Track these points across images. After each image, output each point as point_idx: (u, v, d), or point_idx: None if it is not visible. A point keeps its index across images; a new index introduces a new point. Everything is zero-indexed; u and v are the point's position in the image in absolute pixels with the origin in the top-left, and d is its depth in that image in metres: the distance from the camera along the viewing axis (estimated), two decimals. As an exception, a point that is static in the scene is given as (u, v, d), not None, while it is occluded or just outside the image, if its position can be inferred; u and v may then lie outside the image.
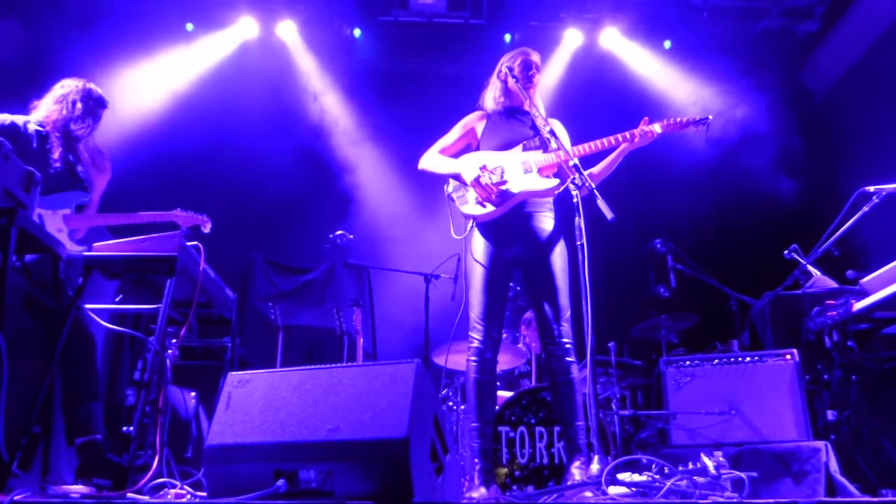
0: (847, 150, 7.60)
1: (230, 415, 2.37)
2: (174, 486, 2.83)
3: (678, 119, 3.66)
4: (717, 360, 4.36)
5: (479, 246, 3.59)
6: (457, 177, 3.62)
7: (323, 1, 7.48)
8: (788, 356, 4.22)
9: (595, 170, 3.71)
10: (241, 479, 2.25)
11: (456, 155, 3.77)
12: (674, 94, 7.83)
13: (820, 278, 4.70)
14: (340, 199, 7.71)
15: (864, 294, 4.03)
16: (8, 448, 2.64)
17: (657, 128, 3.62)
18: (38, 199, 3.06)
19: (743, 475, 2.99)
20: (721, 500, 2.78)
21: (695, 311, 5.65)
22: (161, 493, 2.81)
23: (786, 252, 4.89)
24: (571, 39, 7.79)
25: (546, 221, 3.61)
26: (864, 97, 7.43)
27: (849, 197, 4.19)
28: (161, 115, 7.23)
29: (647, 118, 3.64)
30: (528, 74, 3.71)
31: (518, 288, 5.40)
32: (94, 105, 3.86)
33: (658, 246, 5.79)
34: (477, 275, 3.55)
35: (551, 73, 7.67)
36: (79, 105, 3.79)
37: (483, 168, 3.54)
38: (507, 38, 7.64)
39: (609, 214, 3.07)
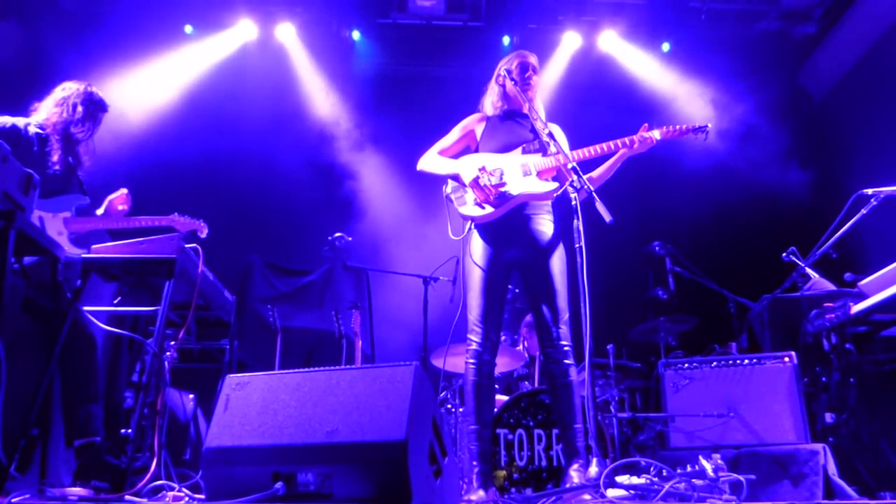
0: (845, 153, 7.61)
1: (228, 417, 2.37)
2: (172, 489, 2.83)
3: (677, 126, 3.68)
4: (715, 363, 4.36)
5: (477, 248, 3.59)
6: (455, 177, 3.62)
7: (321, 3, 7.49)
8: (787, 359, 4.22)
9: (594, 174, 3.72)
10: (240, 481, 2.25)
11: (455, 156, 3.77)
12: (672, 96, 7.84)
13: (818, 281, 4.70)
14: (339, 201, 7.71)
15: (863, 296, 4.03)
16: (6, 450, 2.64)
17: (656, 134, 3.63)
18: (37, 202, 3.07)
19: (741, 478, 2.99)
20: (719, 502, 2.79)
21: (693, 313, 5.65)
22: (159, 495, 2.81)
23: (784, 254, 4.89)
24: (570, 42, 7.80)
25: (545, 224, 3.62)
26: (863, 100, 7.45)
27: (847, 199, 4.19)
28: (159, 118, 7.24)
29: (646, 125, 3.65)
30: (525, 78, 3.72)
31: (517, 290, 5.40)
32: (94, 109, 3.86)
33: (657, 248, 5.80)
34: (475, 277, 3.55)
35: (550, 76, 7.69)
36: (79, 108, 3.79)
37: (482, 169, 3.54)
38: (506, 40, 7.66)
39: (608, 217, 3.07)
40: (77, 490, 2.81)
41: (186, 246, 3.36)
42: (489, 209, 3.53)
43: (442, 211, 3.76)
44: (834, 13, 7.43)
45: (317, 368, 2.47)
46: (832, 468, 3.71)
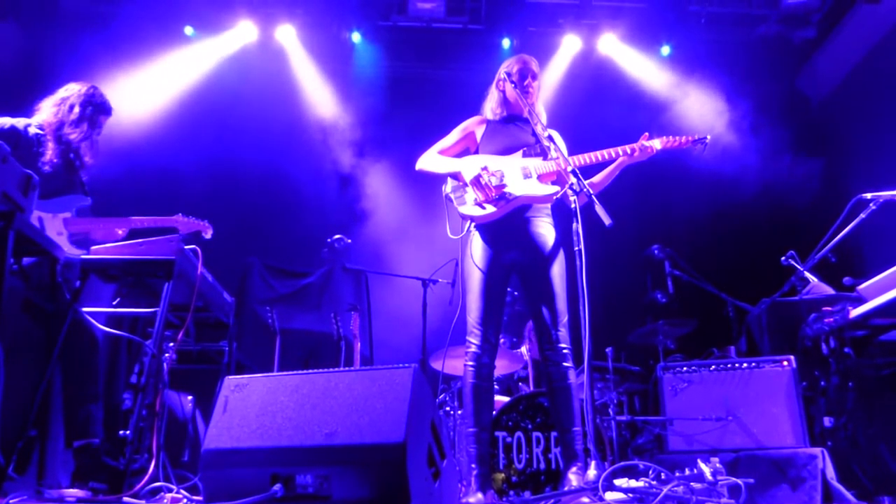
0: (844, 157, 7.62)
1: (227, 419, 2.37)
2: (170, 490, 2.83)
3: (678, 138, 3.71)
4: (714, 366, 4.36)
5: (477, 249, 3.59)
6: (456, 175, 3.62)
7: (322, 5, 7.49)
8: (785, 362, 4.22)
9: (593, 180, 3.73)
10: (238, 483, 2.25)
11: (454, 157, 3.77)
12: (671, 99, 7.84)
13: (817, 285, 4.70)
14: (338, 203, 7.71)
15: (861, 301, 4.03)
16: (5, 451, 2.64)
17: (657, 144, 3.65)
18: (37, 202, 3.06)
19: (739, 481, 2.99)
20: (718, 506, 2.79)
21: (692, 316, 5.66)
22: (157, 497, 2.81)
23: (783, 258, 4.90)
24: (570, 45, 7.81)
25: (544, 227, 3.62)
26: (861, 104, 7.46)
27: (846, 204, 4.20)
28: (160, 119, 7.24)
29: (647, 133, 3.67)
30: (525, 84, 3.72)
31: (515, 293, 5.40)
32: (92, 111, 3.83)
33: (656, 252, 5.80)
34: (475, 279, 3.55)
35: (550, 79, 7.69)
36: (76, 109, 3.78)
37: (484, 169, 3.55)
38: (506, 43, 7.66)
39: (607, 220, 3.08)
40: (75, 491, 2.81)
41: (186, 247, 3.36)
42: (489, 209, 3.53)
43: (441, 213, 3.76)
44: (833, 17, 7.44)
45: (315, 370, 2.47)
46: (830, 472, 3.71)
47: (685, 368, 4.43)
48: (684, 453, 4.14)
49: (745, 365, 4.30)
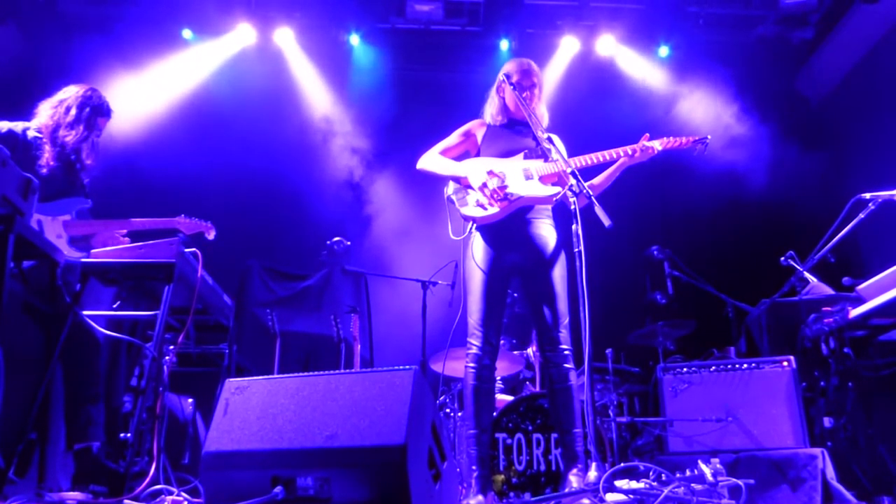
0: (842, 157, 7.63)
1: (228, 421, 2.37)
2: (171, 493, 2.83)
3: (678, 139, 3.71)
4: (713, 367, 4.36)
5: (478, 249, 3.60)
6: (458, 179, 3.63)
7: (319, 8, 7.50)
8: (785, 363, 4.23)
9: (594, 182, 3.73)
10: (239, 485, 2.25)
11: (455, 160, 3.77)
12: (670, 100, 7.85)
13: (816, 285, 4.71)
14: (337, 205, 7.70)
15: (861, 301, 4.04)
16: (5, 454, 2.63)
17: (657, 145, 3.65)
18: (36, 206, 3.06)
19: (740, 482, 2.99)
20: (718, 506, 2.79)
21: (692, 317, 5.65)
22: (158, 499, 2.81)
23: (782, 259, 4.90)
24: (568, 46, 7.81)
25: (545, 228, 3.63)
26: (860, 104, 7.47)
27: (845, 204, 4.21)
28: (159, 122, 7.24)
29: (647, 134, 3.67)
30: (524, 94, 3.70)
31: (515, 295, 5.40)
32: (89, 113, 3.81)
33: (655, 253, 5.80)
34: (476, 280, 3.55)
35: (548, 81, 7.68)
36: (72, 112, 3.76)
37: (489, 173, 3.56)
38: (504, 45, 7.66)
39: (606, 221, 3.09)
40: (75, 494, 2.81)
41: (186, 250, 3.36)
42: (491, 210, 3.54)
43: (440, 215, 3.77)
44: (831, 18, 7.45)
45: (316, 373, 2.47)
46: (830, 472, 3.71)
47: (685, 369, 4.43)
48: (684, 454, 4.14)
49: (744, 366, 4.31)
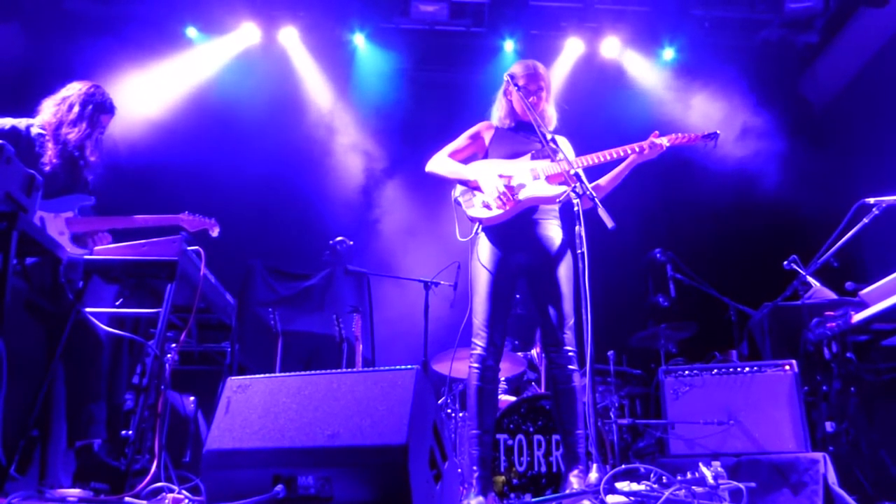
0: (846, 162, 7.62)
1: (229, 420, 2.37)
2: (172, 491, 2.83)
3: (687, 134, 3.69)
4: (715, 370, 4.36)
5: (484, 251, 3.60)
6: (468, 182, 3.63)
7: (324, 8, 7.50)
8: (787, 367, 4.22)
9: (602, 181, 3.73)
10: (240, 484, 2.25)
11: (463, 162, 3.77)
12: (673, 103, 7.84)
13: (819, 289, 4.70)
14: (340, 205, 7.71)
15: (864, 306, 4.03)
16: (6, 451, 2.64)
17: (665, 141, 3.63)
18: (39, 202, 3.06)
19: (741, 486, 2.99)
20: (719, 510, 2.78)
21: (694, 320, 5.65)
22: (159, 497, 2.81)
23: (785, 263, 4.90)
24: (572, 48, 7.81)
25: (552, 229, 3.63)
26: (864, 109, 7.45)
27: (848, 209, 4.20)
28: (162, 121, 7.24)
29: (657, 132, 3.65)
30: (529, 97, 3.68)
31: (518, 296, 5.40)
32: (92, 110, 3.80)
33: (658, 255, 5.80)
34: (482, 281, 3.55)
35: (553, 82, 7.67)
36: (75, 109, 3.76)
37: (500, 177, 3.56)
38: (509, 46, 7.66)
39: (610, 223, 3.09)
40: (76, 492, 2.80)
41: (188, 248, 3.36)
42: (497, 211, 3.54)
43: (444, 214, 3.77)
44: (836, 23, 7.43)
45: (318, 372, 2.47)
46: (832, 477, 3.71)
47: (687, 372, 4.43)
48: (686, 457, 4.14)
49: (746, 369, 4.30)
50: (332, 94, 7.97)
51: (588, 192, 3.22)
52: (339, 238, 5.42)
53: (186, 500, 2.74)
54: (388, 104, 7.78)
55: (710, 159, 7.14)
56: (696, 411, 4.28)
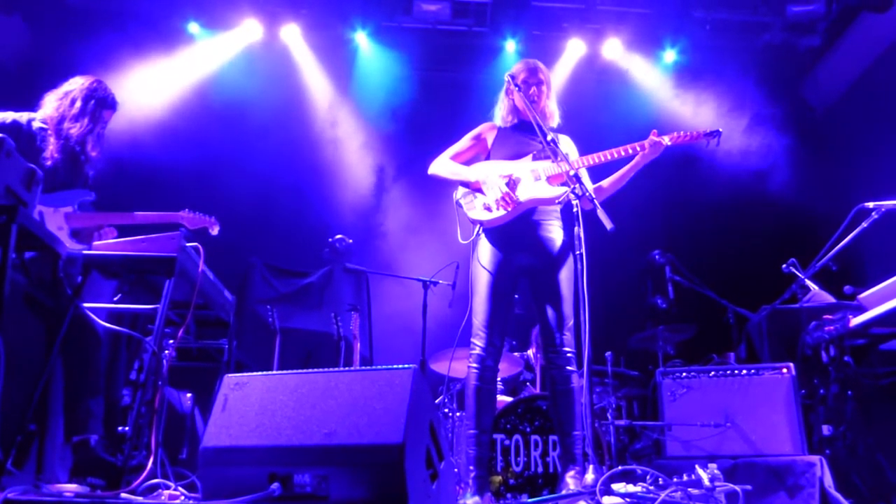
0: (846, 166, 7.62)
1: (226, 417, 2.37)
2: (168, 488, 2.83)
3: (689, 132, 3.67)
4: (713, 373, 4.35)
5: (485, 252, 3.60)
6: (469, 184, 3.63)
7: (326, 5, 7.50)
8: (785, 370, 4.22)
9: (604, 183, 3.74)
10: (236, 481, 2.25)
11: (466, 163, 3.79)
12: (674, 105, 7.84)
13: (818, 293, 4.70)
14: (341, 203, 7.71)
15: (862, 309, 4.03)
16: (3, 445, 2.64)
17: (667, 140, 3.63)
18: (39, 197, 3.06)
19: (737, 488, 2.99)
20: (715, 512, 2.79)
21: (692, 322, 5.65)
22: (155, 493, 2.80)
23: (784, 266, 4.90)
24: (574, 49, 7.80)
25: (553, 231, 3.63)
26: (865, 113, 7.45)
27: (848, 212, 4.20)
28: (164, 117, 7.24)
29: (655, 130, 3.65)
30: (530, 92, 3.70)
31: (517, 296, 5.40)
32: (94, 106, 3.79)
33: (657, 257, 5.80)
34: (483, 281, 3.56)
35: (554, 83, 7.66)
36: (77, 104, 3.75)
37: (501, 178, 3.56)
38: (511, 46, 7.65)
39: (609, 225, 3.09)
40: (73, 487, 2.80)
41: (187, 245, 3.36)
42: (498, 213, 3.55)
43: (443, 214, 3.77)
44: (838, 27, 7.43)
45: (315, 370, 2.47)
46: (828, 480, 3.71)
47: (684, 374, 4.43)
48: (682, 459, 4.13)
49: (744, 371, 4.30)
50: (334, 93, 7.97)
51: (587, 194, 3.22)
52: (338, 236, 5.43)
53: (182, 497, 2.74)
54: (390, 103, 7.77)
55: (712, 161, 7.15)
56: (693, 413, 4.27)
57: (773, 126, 7.59)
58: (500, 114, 3.86)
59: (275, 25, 7.59)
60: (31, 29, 7.12)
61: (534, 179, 3.60)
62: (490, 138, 3.82)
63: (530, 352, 5.41)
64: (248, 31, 7.57)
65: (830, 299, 4.61)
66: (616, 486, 2.88)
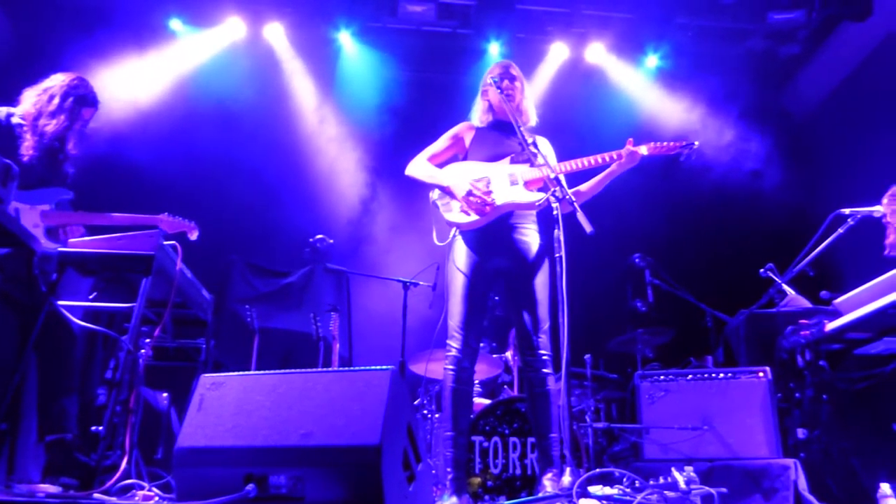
0: (824, 173, 7.71)
1: (202, 417, 2.35)
2: (142, 488, 2.80)
3: (665, 143, 3.70)
4: (691, 376, 4.38)
5: (461, 254, 3.60)
6: (446, 190, 3.63)
7: (311, 4, 7.47)
8: (761, 374, 4.26)
9: (583, 187, 3.75)
10: (211, 482, 2.23)
11: (444, 164, 3.78)
12: (657, 110, 7.90)
13: (794, 298, 4.75)
14: (322, 203, 7.68)
15: (837, 314, 4.07)
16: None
17: (643, 150, 3.65)
18: (14, 193, 3.02)
19: (713, 491, 3.01)
20: (690, 515, 2.80)
21: (671, 326, 5.69)
22: (129, 494, 2.78)
23: (762, 271, 4.94)
24: (557, 53, 7.84)
25: (530, 234, 3.63)
26: (843, 121, 7.55)
27: (825, 218, 4.25)
28: (145, 114, 7.17)
29: (631, 139, 3.67)
30: (503, 78, 3.74)
31: (496, 298, 5.41)
32: (73, 103, 3.72)
33: (636, 261, 5.83)
34: (458, 283, 3.55)
35: (537, 86, 7.71)
36: (55, 101, 3.69)
37: (473, 182, 3.56)
38: (494, 49, 7.66)
39: (588, 228, 3.10)
40: (46, 487, 2.77)
41: (165, 243, 3.33)
42: (475, 216, 3.54)
43: (424, 216, 3.76)
44: (819, 35, 7.52)
45: (293, 370, 2.46)
46: (803, 483, 3.74)
47: (662, 377, 4.45)
48: (660, 461, 4.16)
49: (721, 375, 4.33)
50: (317, 92, 7.94)
51: (567, 197, 3.23)
52: (319, 236, 5.41)
53: (157, 498, 2.71)
54: (373, 103, 7.76)
55: (692, 166, 7.20)
56: (670, 416, 4.30)
57: (753, 132, 7.66)
58: (477, 114, 3.87)
59: (258, 23, 7.54)
60: (13, 23, 7.04)
61: (510, 184, 3.61)
62: (468, 138, 3.83)
63: (508, 354, 5.42)
64: (231, 28, 7.52)
65: (807, 304, 4.66)
66: (593, 489, 2.89)
